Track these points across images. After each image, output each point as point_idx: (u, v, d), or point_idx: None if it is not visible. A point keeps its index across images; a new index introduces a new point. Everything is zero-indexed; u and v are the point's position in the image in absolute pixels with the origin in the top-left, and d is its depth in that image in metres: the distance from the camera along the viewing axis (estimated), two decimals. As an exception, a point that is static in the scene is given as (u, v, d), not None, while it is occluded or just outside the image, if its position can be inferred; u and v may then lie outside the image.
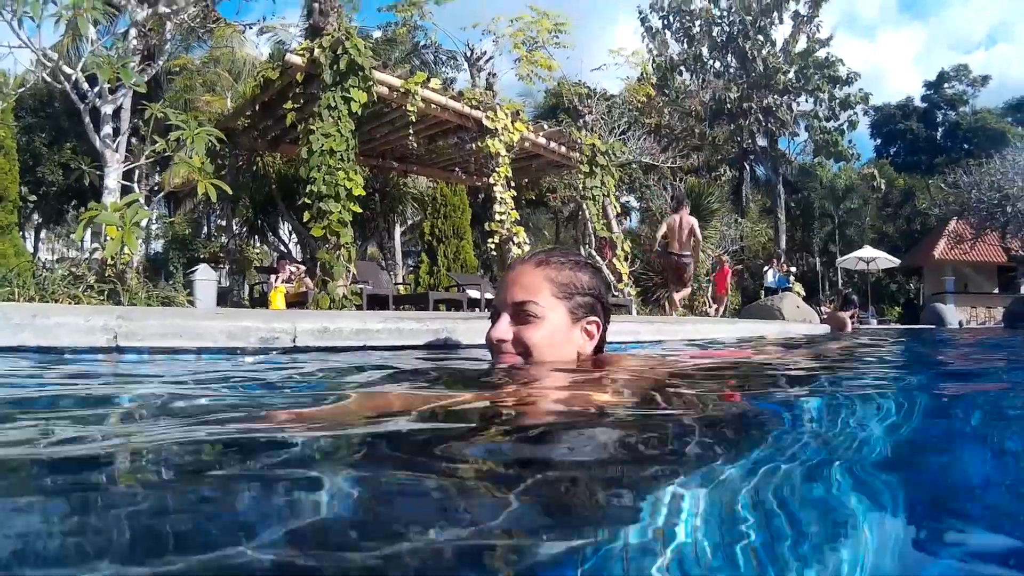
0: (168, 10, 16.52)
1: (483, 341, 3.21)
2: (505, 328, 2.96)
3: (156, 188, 30.71)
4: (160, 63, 18.27)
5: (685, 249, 19.03)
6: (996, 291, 53.61)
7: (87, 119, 14.96)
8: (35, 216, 48.03)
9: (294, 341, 4.68)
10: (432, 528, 1.08)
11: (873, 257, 43.37)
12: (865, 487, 1.43)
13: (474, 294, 20.30)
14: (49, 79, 14.90)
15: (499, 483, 1.34)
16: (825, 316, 22.61)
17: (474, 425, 1.92)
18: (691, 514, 1.17)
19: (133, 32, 16.65)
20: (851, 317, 21.06)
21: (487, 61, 30.27)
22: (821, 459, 1.66)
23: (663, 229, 19.34)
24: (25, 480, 1.36)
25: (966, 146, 79.89)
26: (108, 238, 11.65)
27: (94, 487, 1.32)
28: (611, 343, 3.54)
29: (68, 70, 14.82)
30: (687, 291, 21.01)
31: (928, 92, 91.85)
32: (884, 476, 1.54)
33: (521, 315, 2.95)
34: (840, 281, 60.25)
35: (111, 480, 1.37)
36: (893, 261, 45.33)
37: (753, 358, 4.48)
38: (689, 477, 1.42)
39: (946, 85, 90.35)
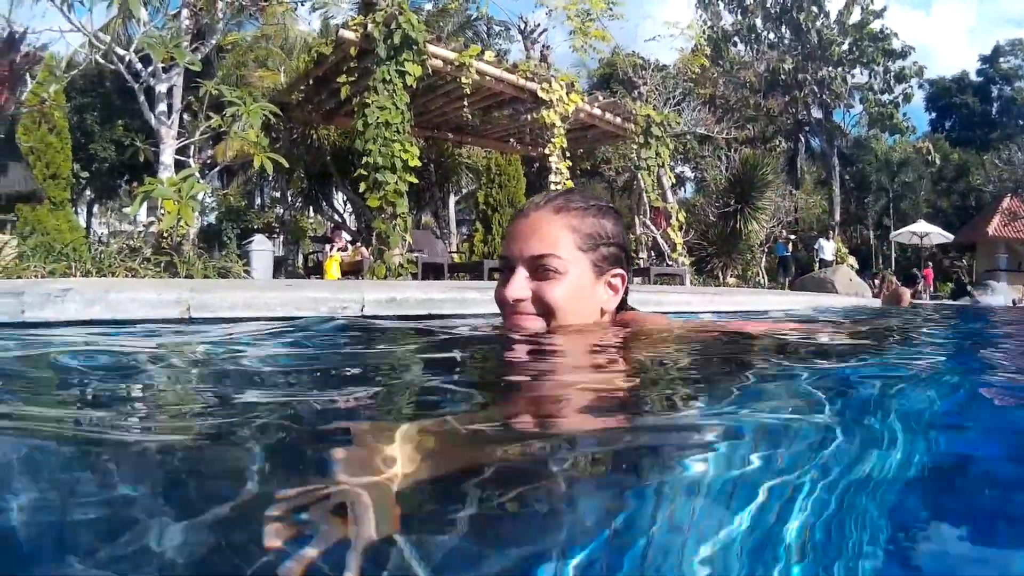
0: (220, -10, 16.68)
1: None
2: (522, 285, 2.54)
3: (208, 162, 31.03)
4: (212, 42, 18.40)
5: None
6: (1050, 271, 53.09)
7: (141, 97, 15.13)
8: (87, 192, 48.71)
9: (362, 310, 4.69)
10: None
11: (927, 232, 43.14)
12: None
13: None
14: (102, 60, 15.05)
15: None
16: (884, 290, 22.45)
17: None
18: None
19: (185, 12, 16.80)
20: (913, 295, 20.97)
21: (541, 34, 30.33)
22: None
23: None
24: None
25: (1021, 121, 79.13)
26: (165, 212, 11.78)
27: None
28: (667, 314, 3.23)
29: (120, 51, 14.97)
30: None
31: (983, 66, 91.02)
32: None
33: (540, 270, 2.54)
34: (893, 255, 59.98)
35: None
36: (947, 236, 45.09)
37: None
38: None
39: (1001, 59, 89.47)
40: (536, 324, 2.57)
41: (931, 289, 35.53)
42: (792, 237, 33.42)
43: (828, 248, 33.95)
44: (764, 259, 33.63)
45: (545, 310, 2.53)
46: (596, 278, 2.61)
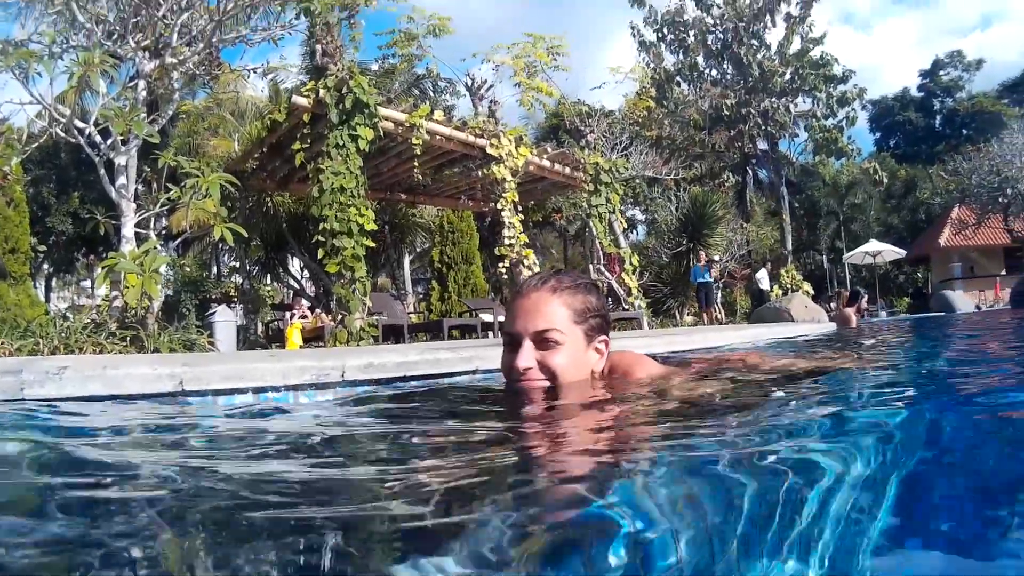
0: (174, 60, 16.78)
1: None
2: (529, 356, 2.97)
3: (164, 232, 30.96)
4: (169, 112, 18.50)
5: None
6: (1003, 273, 53.69)
7: (102, 171, 15.18)
8: (45, 266, 48.33)
9: (343, 376, 5.00)
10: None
11: (879, 250, 43.75)
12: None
13: (487, 317, 20.61)
14: (62, 134, 15.13)
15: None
16: (833, 313, 22.83)
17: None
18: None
19: (142, 84, 16.86)
20: (857, 311, 21.36)
21: (488, 89, 30.54)
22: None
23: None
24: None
25: (965, 131, 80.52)
26: (128, 285, 11.92)
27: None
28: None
29: (80, 124, 15.06)
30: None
31: (924, 81, 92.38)
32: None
33: (543, 342, 2.98)
34: (848, 277, 60.46)
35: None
36: (899, 252, 45.73)
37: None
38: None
39: (941, 72, 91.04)
40: (544, 385, 2.98)
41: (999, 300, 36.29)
42: (716, 259, 32.91)
43: (764, 279, 34.04)
44: (720, 294, 33.76)
45: (550, 375, 2.96)
46: (587, 345, 3.09)
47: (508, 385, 3.11)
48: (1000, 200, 46.15)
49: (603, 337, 3.19)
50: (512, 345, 3.06)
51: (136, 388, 4.35)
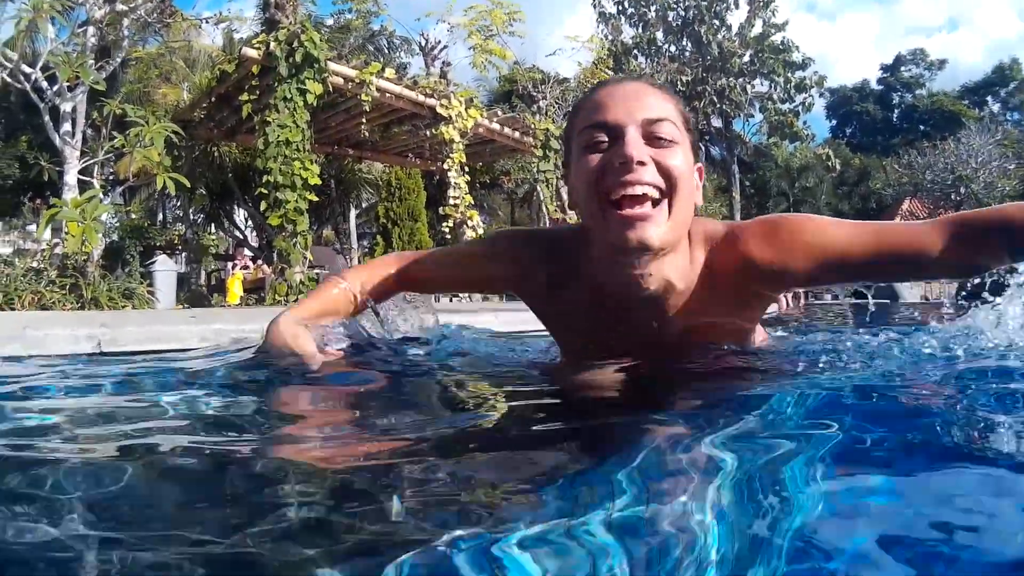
0: (126, 7, 16.52)
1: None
2: (642, 148, 2.09)
3: (111, 178, 30.55)
4: (118, 59, 18.25)
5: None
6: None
7: (46, 117, 14.98)
8: (-10, 209, 47.67)
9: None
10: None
11: (826, 234, 43.92)
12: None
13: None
14: (9, 79, 14.89)
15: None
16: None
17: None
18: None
19: (91, 30, 16.58)
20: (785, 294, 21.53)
21: (441, 50, 30.39)
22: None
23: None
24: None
25: (922, 127, 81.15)
26: (69, 234, 11.78)
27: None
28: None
29: (27, 69, 14.83)
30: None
31: (884, 75, 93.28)
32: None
33: (653, 137, 2.12)
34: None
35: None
36: (847, 239, 45.99)
37: None
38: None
39: (903, 68, 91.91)
40: (653, 212, 2.11)
41: None
42: None
43: None
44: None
45: (667, 178, 2.11)
46: (693, 163, 2.28)
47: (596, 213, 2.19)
48: (953, 197, 46.43)
49: (699, 164, 2.37)
50: (607, 140, 2.15)
51: (55, 349, 4.29)
